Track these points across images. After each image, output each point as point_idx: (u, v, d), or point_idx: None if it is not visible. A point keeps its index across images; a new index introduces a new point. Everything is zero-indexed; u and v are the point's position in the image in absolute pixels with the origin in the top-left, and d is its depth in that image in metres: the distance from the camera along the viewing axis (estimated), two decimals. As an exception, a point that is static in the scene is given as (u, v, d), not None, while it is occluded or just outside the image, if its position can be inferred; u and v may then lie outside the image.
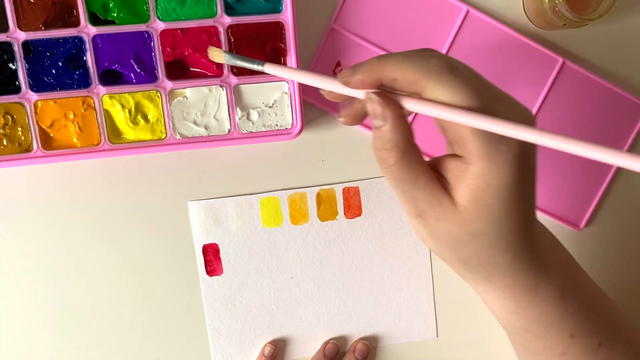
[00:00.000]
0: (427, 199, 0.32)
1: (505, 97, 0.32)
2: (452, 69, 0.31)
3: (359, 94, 0.33)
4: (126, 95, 0.46)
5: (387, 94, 0.32)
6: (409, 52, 0.32)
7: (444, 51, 0.49)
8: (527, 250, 0.33)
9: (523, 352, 0.38)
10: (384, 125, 0.32)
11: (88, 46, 0.45)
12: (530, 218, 0.33)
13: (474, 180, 0.31)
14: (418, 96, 0.32)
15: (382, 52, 0.49)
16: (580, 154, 0.28)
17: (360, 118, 0.35)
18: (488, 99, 0.31)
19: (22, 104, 0.46)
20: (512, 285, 0.34)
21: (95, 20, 0.45)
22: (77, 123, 0.46)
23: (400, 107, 0.32)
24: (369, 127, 0.50)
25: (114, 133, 0.47)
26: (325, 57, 0.49)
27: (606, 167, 0.51)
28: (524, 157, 0.31)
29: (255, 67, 0.37)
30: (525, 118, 0.32)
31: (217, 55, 0.40)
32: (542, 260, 0.34)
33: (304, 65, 0.48)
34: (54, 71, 0.45)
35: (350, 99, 0.35)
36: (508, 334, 0.39)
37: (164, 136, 0.47)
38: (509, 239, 0.32)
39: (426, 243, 0.34)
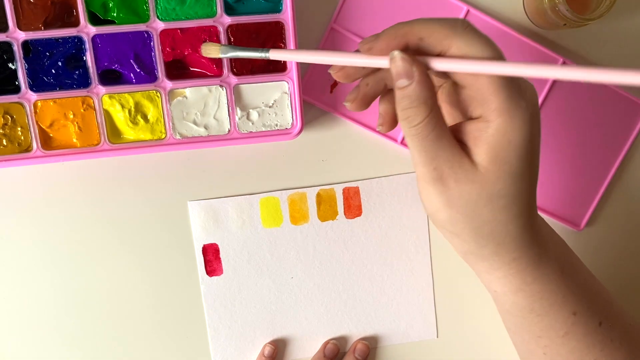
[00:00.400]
0: (449, 160, 0.32)
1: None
2: (476, 29, 0.32)
3: (380, 62, 0.33)
4: (126, 95, 0.46)
5: (411, 55, 0.32)
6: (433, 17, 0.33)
7: (444, 51, 0.49)
8: (533, 220, 0.34)
9: (526, 338, 0.38)
10: (410, 84, 0.32)
11: (88, 46, 0.45)
12: (535, 185, 0.34)
13: (494, 137, 0.32)
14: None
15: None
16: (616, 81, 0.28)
17: (368, 101, 0.35)
18: (503, 57, 0.32)
19: (21, 104, 0.46)
20: (519, 259, 0.35)
21: (95, 20, 0.45)
22: (77, 123, 0.46)
23: (425, 66, 0.32)
24: (369, 127, 0.50)
25: (114, 133, 0.47)
26: (325, 57, 0.49)
27: (607, 167, 0.51)
28: (536, 116, 0.33)
29: (258, 55, 0.36)
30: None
31: (213, 50, 0.39)
32: (542, 235, 0.35)
33: (303, 65, 0.48)
34: (53, 71, 0.45)
35: (357, 83, 0.35)
36: (510, 321, 0.38)
37: (163, 136, 0.47)
38: (521, 203, 0.33)
39: (438, 215, 0.34)
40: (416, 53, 0.32)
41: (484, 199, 0.32)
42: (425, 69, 0.32)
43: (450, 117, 0.36)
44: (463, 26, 0.32)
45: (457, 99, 0.34)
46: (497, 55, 0.32)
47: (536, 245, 0.35)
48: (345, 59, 0.34)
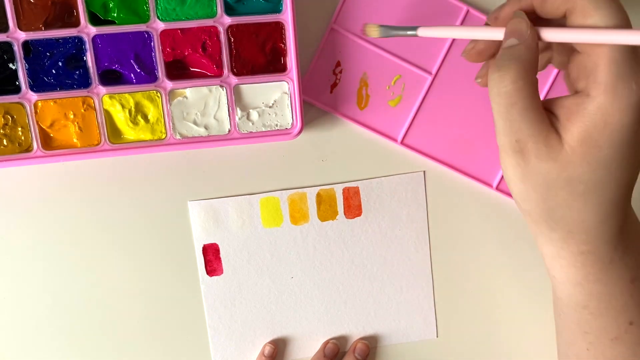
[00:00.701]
0: (534, 134, 0.30)
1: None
2: None
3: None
4: (126, 95, 0.46)
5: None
6: None
7: (444, 51, 0.49)
8: (615, 218, 0.32)
9: (573, 329, 0.37)
10: (519, 44, 0.30)
11: (88, 46, 0.45)
12: (630, 183, 0.31)
13: (591, 115, 0.29)
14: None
15: (382, 53, 0.49)
16: None
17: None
18: (629, 23, 0.29)
19: (22, 104, 0.46)
20: (587, 253, 0.33)
21: (95, 20, 0.45)
22: (77, 123, 0.46)
23: (538, 35, 0.31)
24: (369, 127, 0.50)
25: (114, 133, 0.47)
26: (325, 57, 0.49)
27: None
28: None
29: (408, 33, 0.38)
30: None
31: (373, 30, 0.41)
32: (624, 238, 0.33)
33: (303, 65, 0.48)
34: (54, 71, 0.45)
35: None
36: (561, 308, 0.37)
37: (164, 136, 0.47)
38: (604, 194, 0.31)
39: (512, 186, 0.32)
40: (539, 17, 0.31)
41: (562, 181, 0.30)
42: (537, 36, 0.31)
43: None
44: None
45: (568, 66, 0.32)
46: (621, 22, 0.28)
47: (611, 245, 0.32)
48: (475, 33, 0.33)
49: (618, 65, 0.29)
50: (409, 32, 0.38)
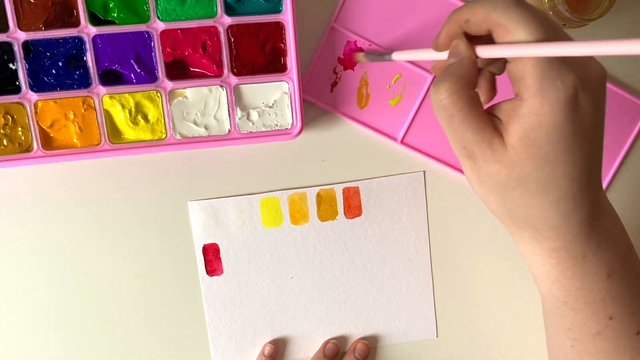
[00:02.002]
0: (477, 140, 0.32)
1: (566, 35, 0.32)
2: (518, 2, 0.31)
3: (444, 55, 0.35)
4: (126, 95, 0.46)
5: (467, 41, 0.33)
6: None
7: (444, 51, 0.49)
8: (579, 213, 0.32)
9: (557, 326, 0.37)
10: (455, 63, 0.33)
11: (88, 46, 0.45)
12: (588, 177, 0.32)
13: (525, 117, 0.31)
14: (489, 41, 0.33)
15: (382, 52, 0.49)
16: None
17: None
18: (551, 32, 0.30)
19: (22, 104, 0.46)
20: (560, 250, 0.33)
21: (95, 20, 0.45)
22: (77, 123, 0.46)
23: (474, 53, 0.33)
24: (369, 127, 0.50)
25: (114, 133, 0.47)
26: (325, 56, 0.49)
27: (606, 166, 0.51)
28: (580, 101, 0.30)
29: (385, 58, 0.43)
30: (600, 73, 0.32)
31: (361, 57, 0.47)
32: (596, 233, 0.33)
33: (304, 65, 0.48)
34: (54, 71, 0.45)
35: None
36: (544, 306, 0.38)
37: (164, 136, 0.47)
38: (559, 191, 0.31)
39: (475, 190, 0.34)
40: (471, 36, 0.33)
41: (513, 181, 0.32)
42: (474, 56, 0.33)
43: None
44: (504, 2, 0.31)
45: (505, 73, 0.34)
46: (536, 31, 0.30)
47: (582, 241, 0.33)
48: (426, 55, 0.37)
49: (542, 68, 0.30)
50: (386, 57, 0.43)
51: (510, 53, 0.31)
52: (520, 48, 0.30)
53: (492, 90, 0.35)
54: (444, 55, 0.35)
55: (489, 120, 0.32)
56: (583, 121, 0.31)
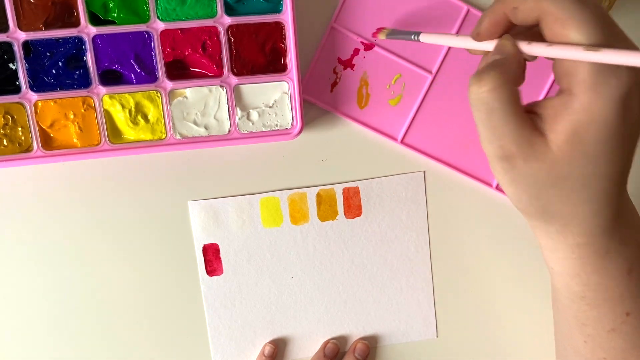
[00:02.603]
0: (517, 139, 0.31)
1: (623, 36, 0.31)
2: None
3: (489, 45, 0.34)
4: (126, 95, 0.46)
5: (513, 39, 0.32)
6: None
7: (444, 50, 0.49)
8: (608, 210, 0.32)
9: (571, 322, 0.37)
10: (501, 57, 0.31)
11: (88, 46, 0.45)
12: (621, 176, 0.32)
13: (576, 114, 0.30)
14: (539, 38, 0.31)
15: (382, 52, 0.49)
16: None
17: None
18: (609, 31, 0.29)
19: (22, 104, 0.46)
20: (584, 245, 0.33)
21: (95, 20, 0.45)
22: (77, 123, 0.46)
23: (519, 49, 0.32)
24: (369, 127, 0.50)
25: (114, 133, 0.47)
26: (325, 56, 0.49)
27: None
28: (632, 100, 0.30)
29: (412, 38, 0.42)
30: None
31: (381, 33, 0.46)
32: (619, 229, 0.33)
33: (304, 64, 0.48)
34: (54, 71, 0.45)
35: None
36: (559, 301, 0.37)
37: (164, 136, 0.47)
38: (595, 188, 0.31)
39: (505, 188, 0.33)
40: (513, 25, 0.33)
41: (552, 179, 0.31)
42: (521, 55, 0.32)
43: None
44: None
45: (552, 66, 0.32)
46: (595, 34, 0.29)
47: (607, 236, 0.33)
48: (471, 44, 0.35)
49: (596, 63, 0.29)
50: (413, 37, 0.41)
51: (566, 55, 0.29)
52: (577, 52, 0.29)
53: (522, 77, 0.33)
54: (483, 46, 0.34)
55: (529, 119, 0.31)
56: (632, 120, 0.30)
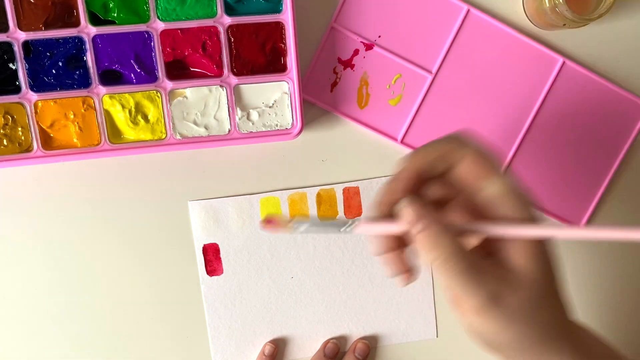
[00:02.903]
0: (496, 277, 0.32)
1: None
2: (470, 140, 0.32)
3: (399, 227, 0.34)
4: (126, 95, 0.46)
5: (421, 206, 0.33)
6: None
7: (443, 51, 0.49)
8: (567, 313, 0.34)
9: None
10: (425, 227, 0.32)
11: (88, 46, 0.45)
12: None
13: (526, 242, 0.32)
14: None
15: (382, 52, 0.49)
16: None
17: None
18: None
19: (22, 104, 0.46)
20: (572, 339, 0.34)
21: (95, 20, 0.45)
22: (77, 123, 0.46)
23: (435, 211, 0.32)
24: (370, 127, 0.50)
25: (114, 133, 0.47)
26: (325, 56, 0.49)
27: (606, 166, 0.51)
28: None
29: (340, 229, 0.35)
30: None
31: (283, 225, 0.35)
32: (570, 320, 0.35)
33: (304, 64, 0.48)
34: (54, 71, 0.45)
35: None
36: None
37: (164, 136, 0.47)
38: (560, 291, 0.33)
39: (499, 337, 0.33)
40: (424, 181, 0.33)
41: (537, 299, 0.32)
42: (435, 215, 0.32)
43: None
44: (454, 137, 0.33)
45: (475, 204, 0.33)
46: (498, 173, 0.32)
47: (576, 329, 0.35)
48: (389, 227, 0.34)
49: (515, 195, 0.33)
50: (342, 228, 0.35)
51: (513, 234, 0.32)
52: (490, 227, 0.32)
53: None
54: (400, 227, 0.33)
55: (492, 260, 0.33)
56: None
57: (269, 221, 0.34)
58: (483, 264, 0.32)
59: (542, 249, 0.32)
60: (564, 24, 0.45)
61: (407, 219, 0.32)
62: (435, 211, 0.32)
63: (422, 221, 0.32)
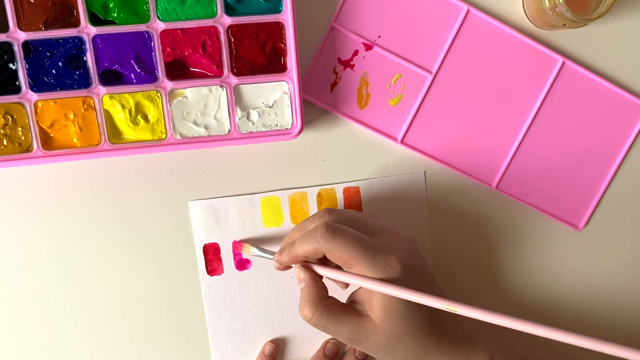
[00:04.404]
0: (351, 330, 0.41)
1: (384, 229, 0.43)
2: (333, 230, 0.41)
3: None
4: (126, 95, 0.46)
5: (307, 264, 0.44)
6: (305, 233, 0.43)
7: (443, 51, 0.49)
8: (447, 331, 0.42)
9: None
10: (304, 287, 0.43)
11: (88, 46, 0.45)
12: (435, 309, 0.41)
13: (383, 296, 0.40)
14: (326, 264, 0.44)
15: (382, 52, 0.49)
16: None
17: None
18: (369, 244, 0.41)
19: (22, 104, 0.46)
20: None
21: (95, 20, 0.45)
22: (77, 123, 0.46)
23: (315, 272, 0.43)
24: (370, 127, 0.50)
25: (114, 133, 0.47)
26: (325, 56, 0.49)
27: (606, 166, 0.51)
28: (409, 263, 0.41)
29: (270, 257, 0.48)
30: (407, 240, 0.44)
31: (246, 250, 0.49)
32: (467, 335, 0.43)
33: (304, 64, 0.48)
34: (54, 71, 0.45)
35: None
36: None
37: (164, 136, 0.47)
38: (425, 330, 0.41)
39: (372, 355, 0.43)
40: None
41: (392, 341, 0.41)
42: (314, 275, 0.43)
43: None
44: (321, 234, 0.40)
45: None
46: (359, 256, 0.41)
47: (459, 346, 0.42)
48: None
49: (373, 263, 0.41)
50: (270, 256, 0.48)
51: (353, 281, 0.42)
52: (350, 277, 0.42)
53: (327, 289, 0.44)
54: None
55: (352, 309, 0.42)
56: (417, 277, 0.42)
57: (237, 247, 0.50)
58: (344, 319, 0.41)
59: (393, 306, 0.40)
60: (564, 24, 0.45)
61: (297, 275, 0.44)
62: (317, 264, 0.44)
63: (302, 282, 0.43)
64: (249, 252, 0.49)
